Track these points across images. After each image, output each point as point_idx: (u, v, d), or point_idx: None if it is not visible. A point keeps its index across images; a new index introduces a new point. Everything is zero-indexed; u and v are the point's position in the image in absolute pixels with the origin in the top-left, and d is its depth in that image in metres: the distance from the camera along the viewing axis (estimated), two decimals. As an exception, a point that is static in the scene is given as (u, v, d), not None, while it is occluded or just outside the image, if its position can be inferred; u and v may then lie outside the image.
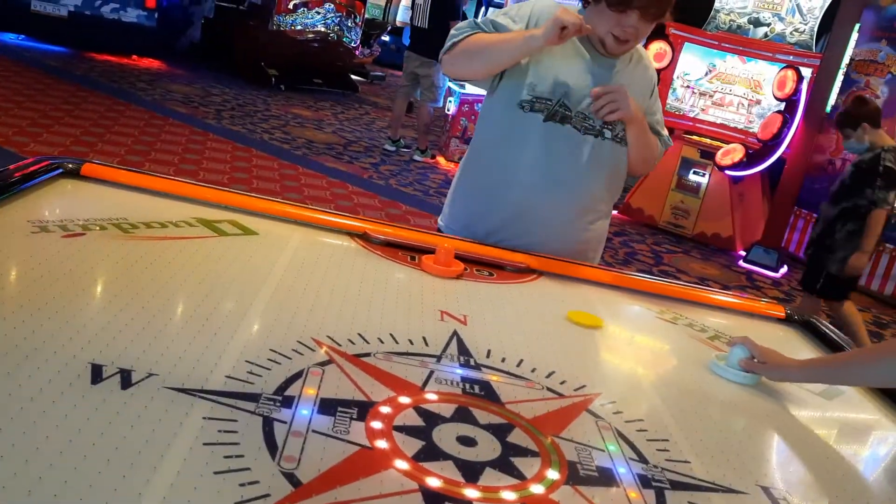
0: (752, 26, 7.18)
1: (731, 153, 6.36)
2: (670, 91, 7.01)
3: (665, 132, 2.03)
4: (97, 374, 0.91)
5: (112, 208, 1.52)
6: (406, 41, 8.30)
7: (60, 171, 1.61)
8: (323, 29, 10.29)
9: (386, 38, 14.03)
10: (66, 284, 1.15)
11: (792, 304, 5.22)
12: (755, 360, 1.35)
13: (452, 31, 1.89)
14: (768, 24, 7.14)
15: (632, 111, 1.82)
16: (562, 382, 1.18)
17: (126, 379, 0.92)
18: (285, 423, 0.90)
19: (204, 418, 0.87)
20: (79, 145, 5.48)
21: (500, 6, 10.61)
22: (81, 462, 0.75)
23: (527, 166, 1.87)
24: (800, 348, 1.65)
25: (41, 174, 1.56)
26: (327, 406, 0.96)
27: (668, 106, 6.97)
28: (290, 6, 10.05)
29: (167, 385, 0.92)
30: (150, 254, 1.33)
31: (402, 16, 13.82)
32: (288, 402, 0.95)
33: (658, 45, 6.72)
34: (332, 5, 10.47)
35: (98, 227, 1.40)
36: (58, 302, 1.09)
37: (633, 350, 1.43)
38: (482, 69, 1.87)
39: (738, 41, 6.90)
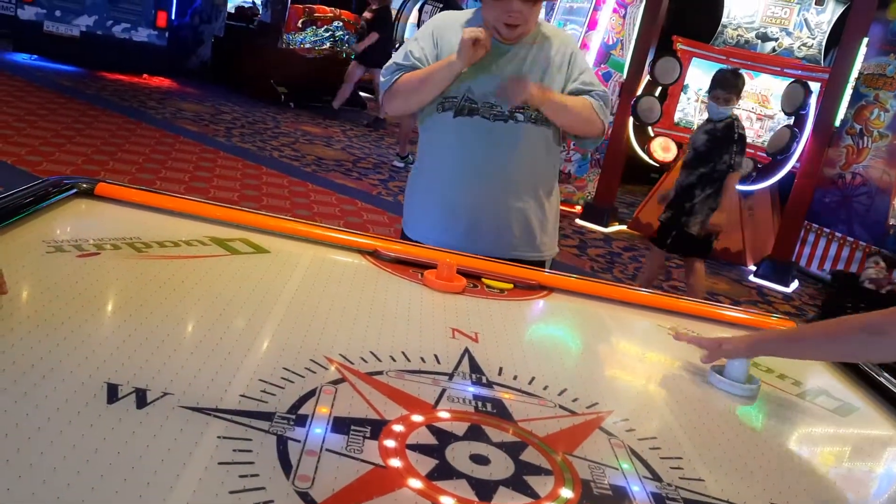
0: (759, 41, 7.20)
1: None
2: (678, 105, 7.02)
3: (597, 88, 2.05)
4: (113, 393, 0.92)
5: (125, 227, 1.53)
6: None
7: (74, 190, 1.63)
8: (331, 47, 10.37)
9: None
10: (82, 304, 1.16)
11: (803, 318, 5.20)
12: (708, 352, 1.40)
13: (380, 78, 2.06)
14: (776, 39, 7.16)
15: (529, 92, 1.89)
16: (574, 400, 1.18)
17: (141, 398, 0.92)
18: (299, 441, 0.90)
19: (219, 437, 0.88)
20: (90, 164, 5.53)
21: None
22: (99, 482, 0.76)
23: (448, 163, 2.02)
24: (811, 365, 1.64)
25: (56, 194, 1.58)
26: (340, 425, 0.96)
27: (675, 120, 6.98)
28: (299, 25, 10.15)
29: (182, 404, 0.93)
30: (163, 273, 1.35)
31: (409, 33, 13.91)
32: (301, 421, 0.95)
33: (666, 61, 6.74)
34: (341, 23, 10.57)
35: (112, 247, 1.41)
36: (73, 321, 1.10)
37: (644, 367, 1.43)
38: (417, 105, 2.04)
39: (746, 56, 6.92)
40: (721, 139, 4.23)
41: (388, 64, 2.05)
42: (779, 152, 6.18)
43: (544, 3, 2.00)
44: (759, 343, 1.40)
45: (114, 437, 0.84)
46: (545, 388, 1.20)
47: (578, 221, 6.94)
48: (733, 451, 1.14)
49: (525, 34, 1.97)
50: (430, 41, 2.01)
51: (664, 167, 6.87)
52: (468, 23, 2.01)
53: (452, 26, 2.01)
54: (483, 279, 1.66)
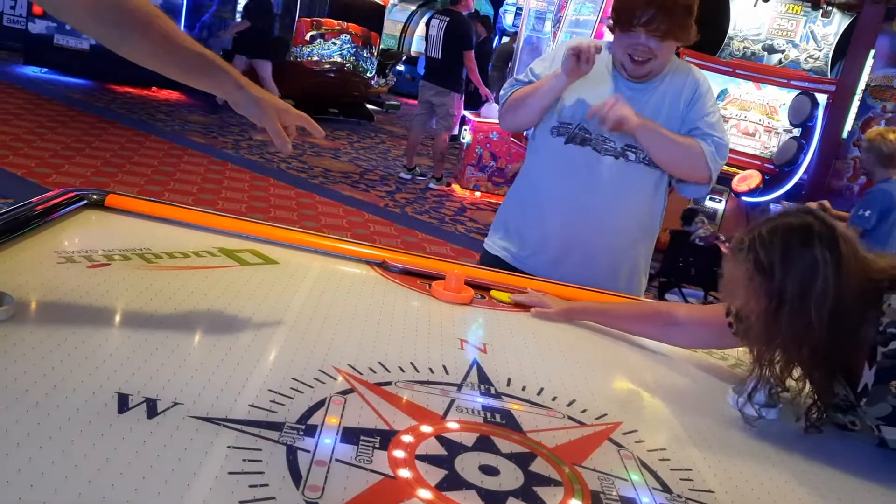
0: (766, 53, 7.21)
1: (747, 179, 6.34)
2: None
3: (717, 134, 1.94)
4: (123, 403, 0.92)
5: (135, 238, 1.54)
6: (421, 71, 8.39)
7: (85, 202, 1.64)
8: (339, 60, 10.42)
9: (401, 67, 14.18)
10: (93, 314, 1.17)
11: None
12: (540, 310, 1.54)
13: (501, 93, 2.05)
14: (782, 51, 7.17)
15: (626, 116, 1.83)
16: (583, 411, 1.18)
17: (152, 408, 0.93)
18: (309, 451, 0.90)
19: (229, 447, 0.88)
20: (100, 176, 5.56)
21: (512, 34, 10.70)
22: (110, 491, 0.76)
23: (549, 189, 1.97)
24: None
25: (67, 205, 1.59)
26: (350, 435, 0.96)
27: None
28: (307, 38, 10.20)
29: (192, 414, 0.93)
30: (173, 283, 1.35)
31: (416, 46, 13.99)
32: (311, 431, 0.95)
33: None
34: (348, 36, 10.62)
35: (122, 258, 1.42)
36: (84, 332, 1.10)
37: (653, 378, 1.43)
38: (528, 119, 2.01)
39: (753, 67, 6.92)
40: None
41: (509, 80, 2.04)
42: (786, 164, 6.17)
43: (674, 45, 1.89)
44: (574, 310, 1.60)
45: (125, 446, 0.84)
46: (554, 398, 1.20)
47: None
48: (743, 462, 1.13)
49: (655, 73, 1.90)
50: (558, 62, 1.93)
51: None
52: (601, 49, 1.91)
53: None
54: (490, 291, 1.66)
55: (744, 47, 7.34)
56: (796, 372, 1.26)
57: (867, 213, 3.82)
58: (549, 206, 1.98)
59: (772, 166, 6.34)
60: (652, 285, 4.79)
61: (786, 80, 6.65)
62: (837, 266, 1.16)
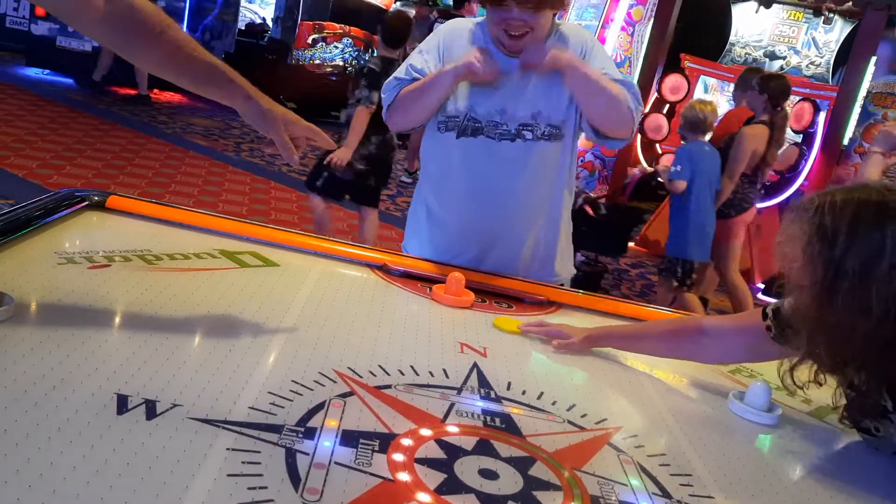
0: (767, 59, 7.22)
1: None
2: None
3: (624, 77, 1.85)
4: (123, 404, 0.92)
5: (136, 240, 1.54)
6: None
7: (86, 203, 1.64)
8: (341, 63, 10.44)
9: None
10: (92, 315, 1.17)
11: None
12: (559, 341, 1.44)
13: (382, 94, 1.91)
14: (784, 58, 7.18)
15: (553, 56, 1.71)
16: (583, 416, 1.18)
17: (151, 409, 0.92)
18: (308, 454, 0.90)
19: (228, 449, 0.88)
20: (101, 178, 5.56)
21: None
22: (108, 493, 0.76)
23: (453, 187, 1.88)
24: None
25: (68, 206, 1.59)
26: (349, 438, 0.96)
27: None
28: (309, 41, 10.22)
29: (191, 416, 0.93)
30: (173, 285, 1.35)
31: (418, 50, 14.02)
32: (310, 434, 0.95)
33: (673, 78, 6.76)
34: (350, 40, 10.64)
35: (123, 259, 1.42)
36: (84, 333, 1.10)
37: (653, 383, 1.42)
38: (417, 118, 1.90)
39: (754, 74, 6.93)
40: (355, 76, 4.26)
41: (388, 79, 1.91)
42: (787, 170, 6.17)
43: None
44: (597, 337, 1.48)
45: (123, 448, 0.84)
46: (553, 403, 1.20)
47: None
48: (743, 468, 1.13)
49: (531, 44, 1.76)
50: (435, 53, 1.87)
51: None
52: (475, 33, 1.86)
53: (461, 35, 1.87)
54: (494, 321, 1.54)
55: (745, 53, 7.36)
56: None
57: (678, 167, 4.31)
58: (456, 206, 1.89)
59: (773, 172, 6.34)
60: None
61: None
62: None
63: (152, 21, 1.16)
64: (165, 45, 1.17)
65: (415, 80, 1.85)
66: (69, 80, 9.01)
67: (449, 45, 1.87)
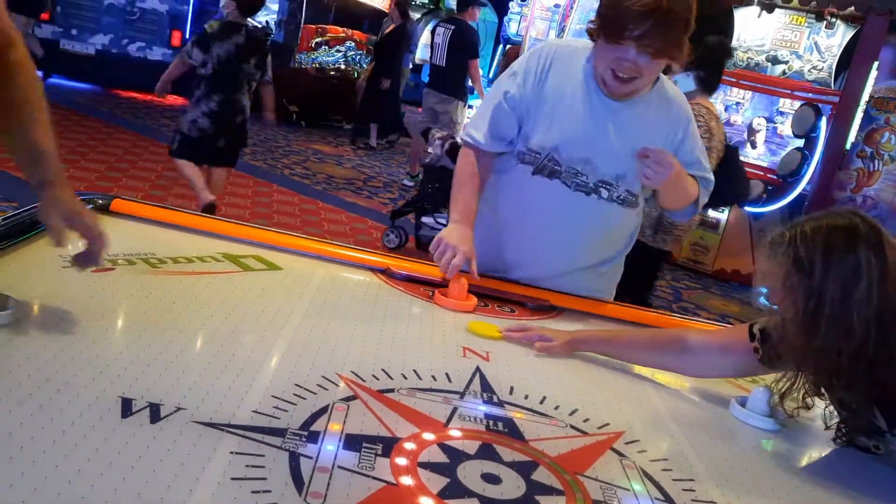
0: (769, 64, 7.22)
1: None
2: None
3: (706, 173, 1.81)
4: (127, 407, 0.93)
5: (140, 243, 1.54)
6: (425, 78, 8.39)
7: (90, 206, 1.65)
8: (343, 66, 10.46)
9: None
10: (97, 319, 1.17)
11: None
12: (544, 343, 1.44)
13: (470, 128, 1.79)
14: (786, 62, 7.18)
15: (668, 180, 1.65)
16: (585, 420, 1.18)
17: (155, 413, 0.93)
18: (311, 458, 0.91)
19: (231, 453, 0.88)
20: (104, 180, 5.58)
21: (516, 43, 10.70)
22: (112, 496, 0.76)
23: (519, 217, 1.80)
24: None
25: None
26: (352, 442, 0.96)
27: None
28: (312, 45, 10.24)
29: (195, 419, 0.93)
30: (177, 288, 1.36)
31: (421, 54, 14.00)
32: (314, 438, 0.95)
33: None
34: (353, 43, 10.66)
35: (127, 262, 1.43)
36: (88, 336, 1.11)
37: (655, 388, 1.43)
38: None
39: (756, 78, 6.93)
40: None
41: (478, 108, 1.77)
42: (789, 175, 6.17)
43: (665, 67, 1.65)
44: (579, 341, 1.48)
45: (128, 451, 0.84)
46: (556, 407, 1.20)
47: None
48: (745, 473, 1.13)
49: (636, 92, 1.66)
50: (533, 78, 1.71)
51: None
52: (571, 59, 1.72)
53: (557, 64, 1.71)
54: (469, 325, 1.51)
55: (747, 58, 7.35)
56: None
57: None
58: (514, 238, 1.81)
59: (775, 177, 6.34)
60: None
61: (789, 91, 6.66)
62: (883, 271, 1.11)
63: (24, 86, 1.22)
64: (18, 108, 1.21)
65: (507, 115, 1.73)
66: (72, 83, 9.04)
67: (552, 69, 1.72)
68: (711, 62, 3.46)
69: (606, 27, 1.56)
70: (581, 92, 1.69)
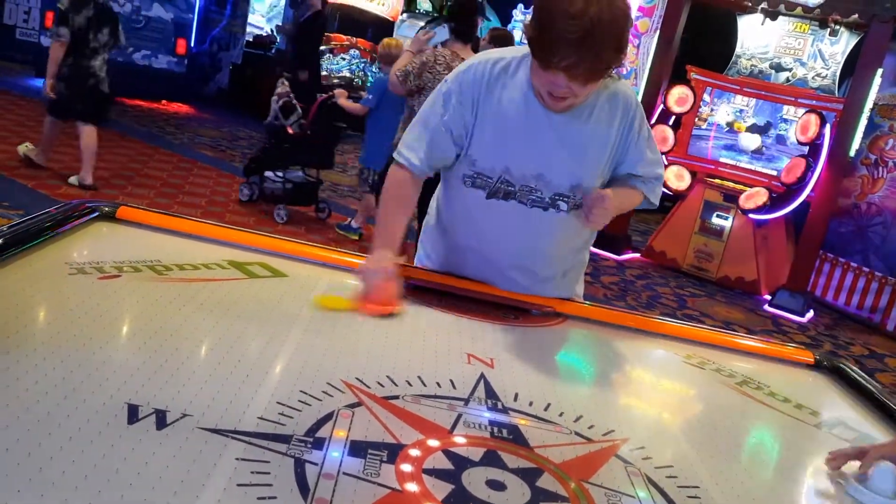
0: (773, 71, 7.23)
1: (754, 197, 6.35)
2: (692, 135, 7.04)
3: (657, 167, 1.78)
4: (133, 414, 0.93)
5: (146, 251, 1.55)
6: (429, 86, 8.39)
7: (97, 214, 1.66)
8: (348, 74, 10.50)
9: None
10: (103, 325, 1.18)
11: (820, 349, 5.15)
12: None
13: (396, 150, 1.73)
14: (790, 69, 7.19)
15: (608, 213, 1.65)
16: (590, 427, 1.18)
17: (161, 419, 0.93)
18: (316, 464, 0.91)
19: (237, 459, 0.88)
20: (109, 188, 5.60)
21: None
22: (119, 502, 0.77)
23: (480, 243, 1.76)
24: (829, 394, 1.63)
25: (78, 217, 1.60)
26: (357, 448, 0.97)
27: (689, 149, 7.00)
28: (316, 52, 10.26)
29: (201, 426, 0.93)
30: (183, 295, 1.36)
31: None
32: (319, 444, 0.95)
33: (679, 90, 6.77)
34: (357, 51, 10.70)
35: (133, 269, 1.43)
36: (95, 342, 1.11)
37: (661, 395, 1.43)
38: None
39: (760, 86, 6.94)
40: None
41: (410, 127, 1.73)
42: (793, 182, 6.17)
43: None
44: None
45: (134, 457, 0.85)
46: (561, 414, 1.20)
47: (591, 248, 6.93)
48: (750, 480, 1.13)
49: (574, 106, 1.61)
50: (463, 105, 1.66)
51: (678, 195, 6.88)
52: (503, 74, 1.66)
53: (487, 81, 1.66)
54: (314, 298, 1.50)
55: (751, 65, 7.36)
56: None
57: (370, 96, 5.36)
58: (474, 262, 1.78)
59: (779, 184, 6.34)
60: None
61: (793, 99, 6.67)
62: None
63: None
64: None
65: (435, 143, 1.68)
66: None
67: (485, 92, 1.66)
68: (461, 15, 4.29)
69: (537, 51, 1.50)
70: (524, 108, 1.64)
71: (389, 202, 1.74)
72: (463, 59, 3.61)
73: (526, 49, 1.60)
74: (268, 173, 5.73)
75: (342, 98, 5.54)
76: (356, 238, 5.60)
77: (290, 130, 5.62)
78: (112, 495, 0.77)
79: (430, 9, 14.37)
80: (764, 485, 1.13)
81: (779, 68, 7.28)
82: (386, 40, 5.65)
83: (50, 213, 1.55)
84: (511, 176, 1.67)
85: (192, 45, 10.06)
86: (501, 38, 4.60)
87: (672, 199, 7.11)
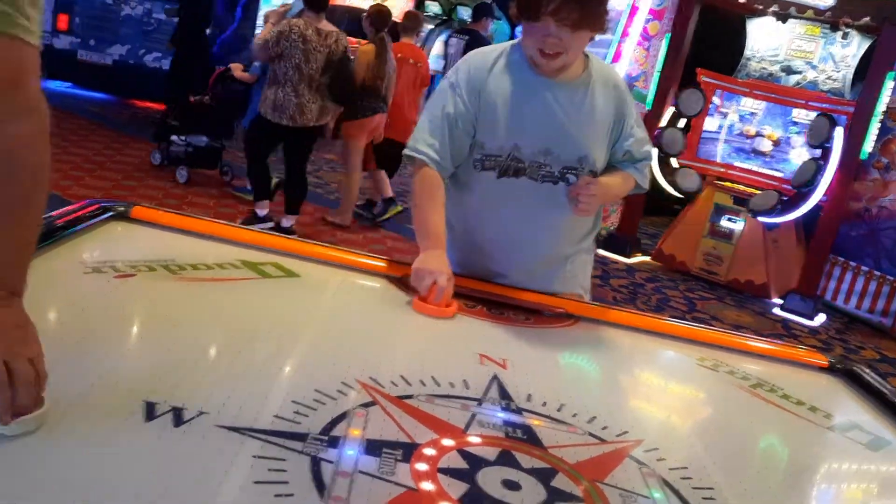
0: (784, 74, 7.20)
1: (764, 200, 6.32)
2: (701, 137, 7.02)
3: (645, 147, 1.85)
4: (151, 411, 0.94)
5: (160, 250, 1.56)
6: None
7: (111, 213, 1.67)
8: (358, 77, 10.49)
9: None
10: (119, 324, 1.19)
11: (831, 352, 5.12)
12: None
13: (408, 146, 1.77)
14: (800, 72, 7.16)
15: (598, 200, 1.74)
16: (603, 428, 1.18)
17: (178, 416, 0.94)
18: (332, 462, 0.91)
19: (254, 457, 0.89)
20: (119, 189, 5.62)
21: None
22: (133, 501, 0.77)
23: (496, 224, 1.81)
24: (843, 397, 1.62)
25: (93, 217, 1.61)
26: (372, 447, 0.97)
27: (699, 152, 6.98)
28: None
29: (218, 423, 0.94)
30: (197, 295, 1.37)
31: (432, 64, 14.09)
32: (334, 443, 0.96)
33: (689, 93, 6.75)
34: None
35: (147, 269, 1.44)
36: (111, 340, 1.12)
37: (674, 397, 1.43)
38: None
39: (771, 88, 6.92)
40: None
41: (420, 124, 1.78)
42: (804, 185, 6.15)
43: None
44: None
45: (152, 453, 0.85)
46: (574, 415, 1.20)
47: (600, 251, 6.93)
48: (764, 482, 1.13)
49: (566, 67, 1.69)
50: (469, 92, 1.73)
51: (687, 198, 6.86)
52: (499, 59, 1.76)
53: (487, 67, 1.75)
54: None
55: (761, 68, 7.34)
56: None
57: (257, 65, 5.83)
58: (492, 246, 1.83)
59: (789, 187, 6.32)
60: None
61: (804, 102, 6.64)
62: None
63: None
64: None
65: (448, 128, 1.73)
66: (89, 93, 9.13)
67: (481, 82, 1.74)
68: None
69: (524, 7, 1.61)
70: (523, 86, 1.73)
71: (422, 202, 1.78)
72: (317, 28, 4.97)
73: (507, 43, 1.79)
74: (173, 137, 6.23)
75: (237, 70, 6.06)
76: (250, 199, 5.83)
77: (192, 100, 6.15)
78: (127, 492, 0.78)
79: (440, 11, 14.39)
80: (779, 487, 1.13)
81: (789, 71, 7.25)
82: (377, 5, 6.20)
83: (65, 213, 1.56)
84: (520, 153, 1.73)
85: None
86: (379, 13, 5.56)
87: (682, 202, 7.09)
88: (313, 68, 4.98)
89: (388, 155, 5.85)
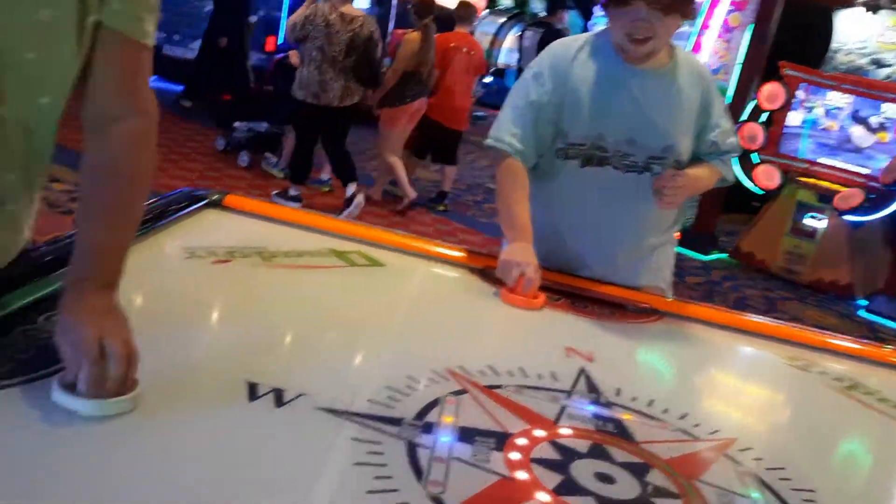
0: (873, 67, 6.90)
1: (849, 197, 6.08)
2: (784, 132, 6.79)
3: (731, 139, 1.82)
4: (253, 391, 0.97)
5: (252, 238, 1.60)
6: (510, 83, 8.38)
7: (206, 201, 1.72)
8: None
9: (489, 79, 14.20)
10: (219, 306, 1.23)
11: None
12: None
13: (490, 137, 1.77)
14: (890, 65, 6.85)
15: (685, 192, 1.74)
16: (696, 425, 1.15)
17: (279, 397, 0.96)
18: (428, 448, 0.92)
19: (353, 439, 0.91)
20: (203, 179, 5.81)
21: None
22: (241, 473, 0.80)
23: (580, 214, 1.80)
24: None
25: (189, 205, 1.67)
26: (466, 434, 0.98)
27: (781, 147, 6.75)
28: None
29: (317, 405, 0.96)
30: (289, 281, 1.41)
31: (504, 58, 14.00)
32: (428, 429, 0.97)
33: (771, 86, 6.54)
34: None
35: (242, 255, 1.49)
36: (212, 322, 1.17)
37: (764, 396, 1.39)
38: None
39: (859, 82, 6.63)
40: None
41: (502, 115, 1.78)
42: (893, 182, 5.88)
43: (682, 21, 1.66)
44: None
45: (255, 432, 0.88)
46: (665, 411, 1.18)
47: (676, 248, 6.78)
48: (867, 487, 1.09)
49: (653, 54, 1.67)
50: (554, 80, 1.72)
51: (768, 195, 6.65)
52: (583, 48, 1.75)
53: (571, 56, 1.74)
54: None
55: (849, 61, 7.05)
56: None
57: None
58: (574, 236, 1.82)
59: (876, 184, 6.05)
60: None
61: (893, 96, 6.34)
62: None
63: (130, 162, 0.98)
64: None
65: (533, 117, 1.73)
66: (173, 86, 9.44)
67: (565, 72, 1.72)
68: None
69: None
70: (608, 75, 1.71)
71: (506, 193, 1.79)
72: (341, 12, 5.12)
73: (584, 37, 1.79)
74: (236, 123, 6.51)
75: (294, 57, 6.02)
76: (281, 177, 6.03)
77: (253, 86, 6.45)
78: (232, 467, 0.81)
79: (511, 4, 14.33)
80: (883, 494, 1.09)
81: (879, 64, 6.94)
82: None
83: (166, 200, 1.62)
84: (604, 142, 1.72)
85: (281, 41, 10.29)
86: (422, 2, 5.64)
87: (761, 199, 6.88)
88: (336, 50, 5.13)
89: (438, 140, 5.91)
